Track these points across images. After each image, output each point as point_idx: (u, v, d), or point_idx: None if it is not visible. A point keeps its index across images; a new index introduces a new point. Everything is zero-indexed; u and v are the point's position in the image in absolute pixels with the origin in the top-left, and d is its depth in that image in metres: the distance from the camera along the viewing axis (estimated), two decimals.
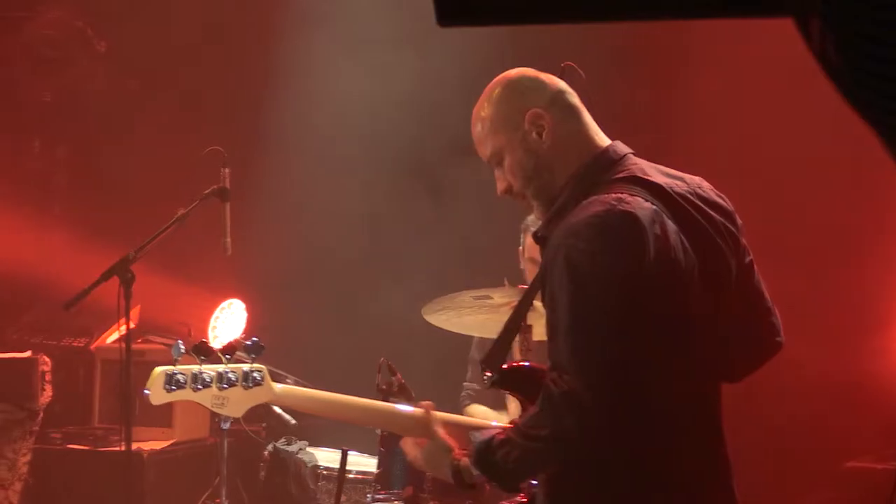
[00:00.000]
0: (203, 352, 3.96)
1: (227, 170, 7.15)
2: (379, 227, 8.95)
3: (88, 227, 8.83)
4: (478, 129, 3.96)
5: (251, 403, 3.98)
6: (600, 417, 3.52)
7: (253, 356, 4.02)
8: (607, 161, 3.82)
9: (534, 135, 3.84)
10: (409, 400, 5.19)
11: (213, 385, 3.92)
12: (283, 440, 7.34)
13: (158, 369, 3.89)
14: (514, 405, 5.32)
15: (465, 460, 3.82)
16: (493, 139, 3.91)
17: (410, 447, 4.05)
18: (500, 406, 5.76)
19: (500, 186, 3.96)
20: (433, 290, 6.07)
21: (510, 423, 3.83)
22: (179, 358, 3.89)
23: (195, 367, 3.92)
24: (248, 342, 4.04)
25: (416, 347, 7.18)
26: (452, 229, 8.64)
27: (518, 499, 3.96)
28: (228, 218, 7.09)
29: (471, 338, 6.47)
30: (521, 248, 6.16)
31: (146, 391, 3.87)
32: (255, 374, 3.98)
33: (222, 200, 7.12)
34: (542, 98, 3.88)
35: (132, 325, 6.95)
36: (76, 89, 9.20)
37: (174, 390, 3.88)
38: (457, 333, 6.13)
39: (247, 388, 3.97)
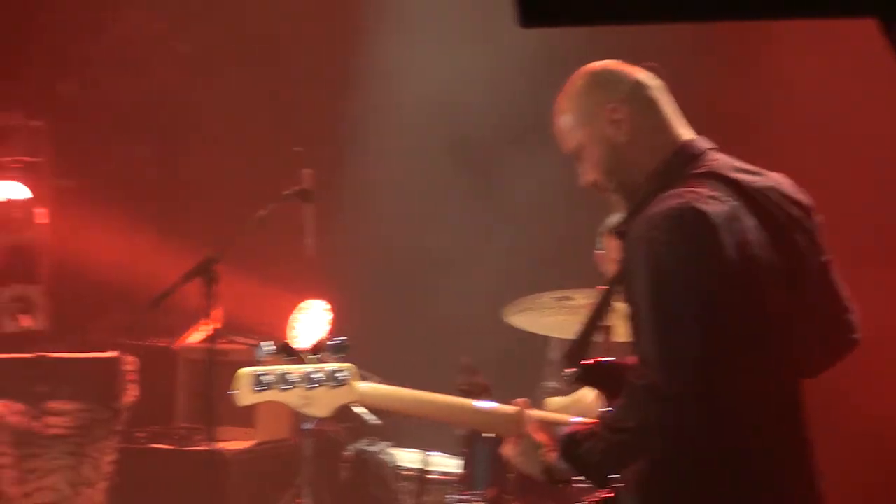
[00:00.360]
0: (288, 352, 3.96)
1: (308, 171, 7.17)
2: (455, 227, 8.93)
3: (172, 227, 8.88)
4: (559, 122, 3.97)
5: (337, 403, 3.95)
6: (680, 411, 3.54)
7: (338, 355, 4.01)
8: (687, 156, 3.82)
9: (613, 129, 3.85)
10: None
11: (300, 385, 3.91)
12: (364, 441, 7.35)
13: (244, 370, 3.89)
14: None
15: (555, 456, 3.82)
16: (574, 133, 3.92)
17: (507, 447, 4.04)
18: None
19: (585, 179, 3.96)
20: (510, 291, 6.07)
21: (596, 416, 3.83)
22: (264, 359, 3.89)
23: (281, 368, 3.91)
24: (333, 341, 4.03)
25: (493, 348, 7.17)
26: (529, 230, 8.61)
27: (601, 495, 3.93)
28: (311, 219, 7.11)
29: (547, 338, 6.45)
30: (600, 251, 6.14)
31: (232, 392, 3.88)
32: (340, 374, 3.96)
33: (304, 201, 7.15)
34: (622, 91, 3.88)
35: (215, 326, 6.99)
36: (160, 90, 9.26)
37: (261, 391, 3.88)
38: (532, 334, 6.12)
39: (333, 387, 3.94)
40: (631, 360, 3.74)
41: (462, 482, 5.69)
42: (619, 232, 3.88)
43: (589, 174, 3.93)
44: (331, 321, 8.11)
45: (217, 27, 9.22)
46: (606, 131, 3.85)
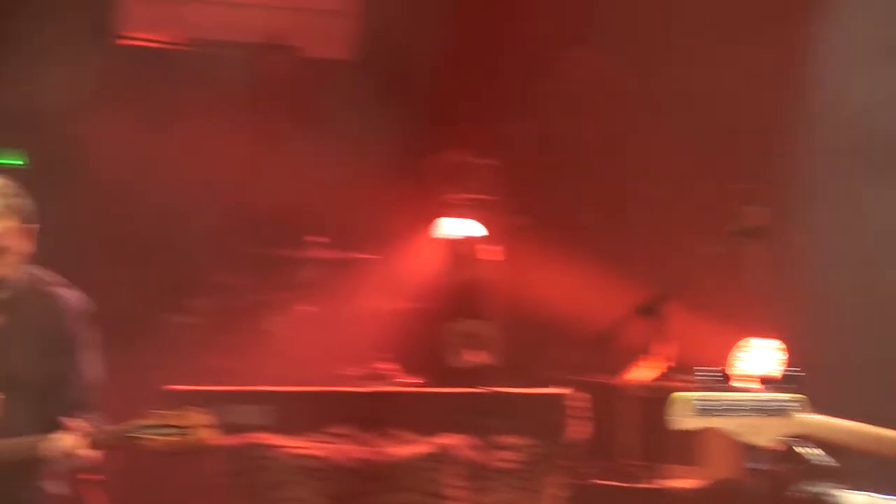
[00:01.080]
0: (727, 380, 3.92)
1: (755, 208, 7.09)
2: None
3: (615, 263, 8.93)
4: None
5: (779, 432, 3.87)
6: None
7: (788, 386, 3.93)
8: None
9: None
10: None
11: (739, 412, 3.85)
12: (811, 482, 7.16)
13: (682, 395, 3.86)
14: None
15: None
16: None
17: None
18: None
19: None
20: None
21: None
22: (701, 385, 3.86)
23: (721, 394, 3.86)
24: (787, 371, 3.96)
25: None
26: None
27: None
28: (758, 256, 7.03)
29: None
30: None
31: (670, 417, 3.85)
32: (787, 404, 3.88)
33: (751, 238, 7.07)
34: None
35: (661, 363, 6.99)
36: (606, 130, 9.36)
37: (698, 416, 3.84)
38: None
39: (778, 416, 3.87)
40: None
41: None
42: None
43: None
44: (782, 360, 7.95)
45: (664, 67, 9.26)
46: None
